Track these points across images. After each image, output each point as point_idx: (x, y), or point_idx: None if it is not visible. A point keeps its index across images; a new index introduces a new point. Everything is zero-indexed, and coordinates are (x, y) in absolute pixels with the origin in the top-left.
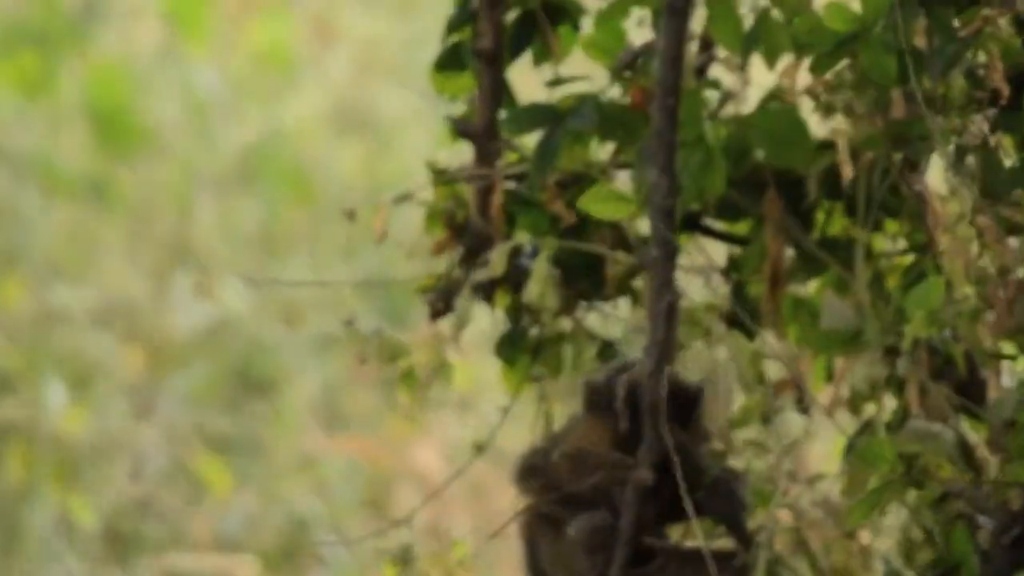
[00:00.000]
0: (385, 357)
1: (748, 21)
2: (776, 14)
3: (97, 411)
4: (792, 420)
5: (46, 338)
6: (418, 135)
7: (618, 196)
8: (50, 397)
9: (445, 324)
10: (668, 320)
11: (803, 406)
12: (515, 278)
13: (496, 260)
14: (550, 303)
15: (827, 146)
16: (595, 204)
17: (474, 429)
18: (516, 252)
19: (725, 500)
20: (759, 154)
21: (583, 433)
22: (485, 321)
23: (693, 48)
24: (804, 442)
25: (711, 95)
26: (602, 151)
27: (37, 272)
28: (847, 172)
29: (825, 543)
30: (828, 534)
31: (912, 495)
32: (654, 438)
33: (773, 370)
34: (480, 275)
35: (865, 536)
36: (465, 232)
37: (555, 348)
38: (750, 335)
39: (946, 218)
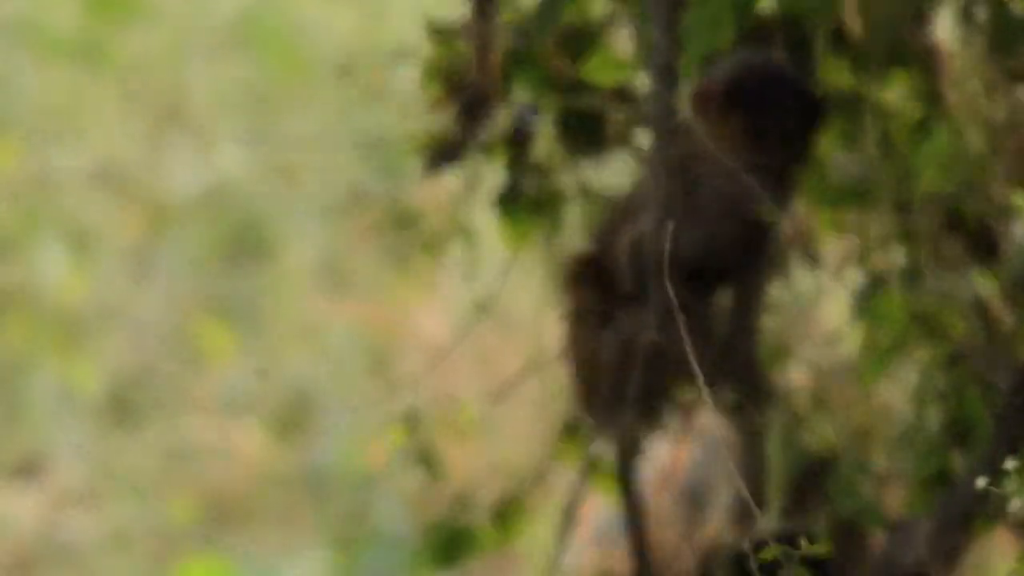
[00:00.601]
0: (399, 224)
1: None
2: None
3: (95, 276)
4: (802, 278)
5: (41, 202)
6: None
7: (618, 61)
8: (48, 262)
9: (452, 182)
10: (669, 176)
11: (812, 261)
12: (514, 135)
13: (501, 118)
14: (557, 161)
15: None
16: (596, 70)
17: (477, 291)
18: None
19: (738, 359)
20: (764, 5)
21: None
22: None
23: None
24: (816, 300)
25: None
26: (602, 6)
27: (30, 136)
28: (856, 26)
29: (844, 402)
30: (846, 393)
31: (925, 354)
32: (660, 297)
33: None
34: (486, 134)
35: (883, 395)
36: (463, 89)
37: (555, 204)
38: None
39: (955, 70)
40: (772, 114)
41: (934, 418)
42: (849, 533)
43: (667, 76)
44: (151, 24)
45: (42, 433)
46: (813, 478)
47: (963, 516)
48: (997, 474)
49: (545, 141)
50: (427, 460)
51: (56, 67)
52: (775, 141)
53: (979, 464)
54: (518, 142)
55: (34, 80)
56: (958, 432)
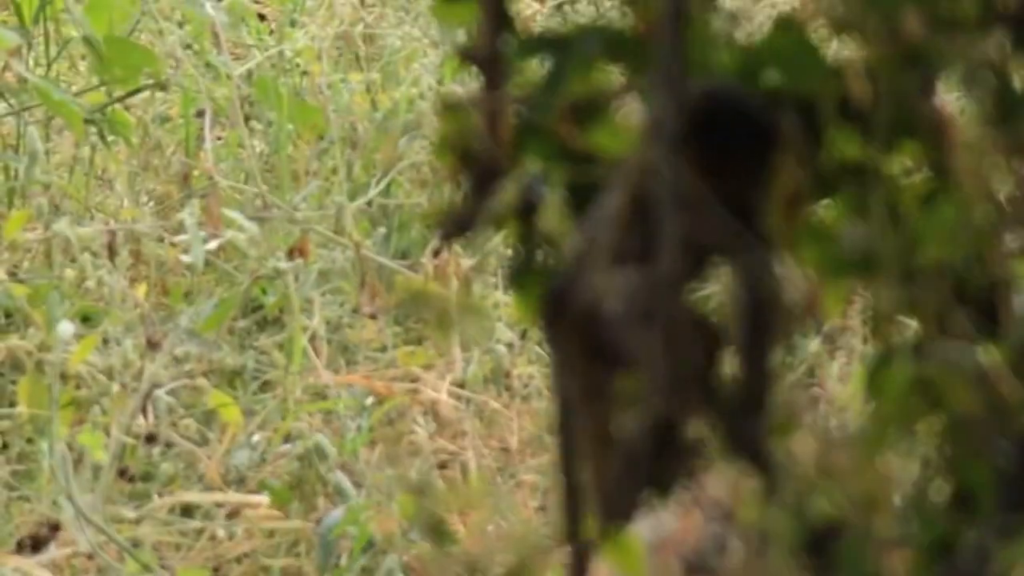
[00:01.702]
0: (416, 307)
1: None
2: None
3: (105, 345)
4: (808, 347)
5: (53, 269)
6: (424, 61)
7: (628, 129)
8: (58, 332)
9: (457, 254)
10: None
11: (818, 331)
12: (524, 206)
13: (510, 190)
14: (567, 231)
15: (839, 71)
16: (605, 139)
17: (482, 362)
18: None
19: (747, 432)
20: (769, 78)
21: None
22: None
23: None
24: (821, 369)
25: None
26: (614, 78)
27: (42, 205)
28: (862, 91)
29: (849, 471)
30: (852, 462)
31: (931, 424)
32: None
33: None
34: (495, 206)
35: (888, 465)
36: (474, 160)
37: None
38: None
39: (961, 140)
40: (725, 140)
41: (939, 487)
42: None
43: (674, 147)
44: (161, 91)
45: (51, 502)
46: (821, 546)
47: None
48: (1001, 543)
49: (554, 212)
50: (438, 531)
51: (66, 135)
52: (733, 168)
53: (983, 533)
54: (527, 214)
55: (45, 150)
56: (962, 501)
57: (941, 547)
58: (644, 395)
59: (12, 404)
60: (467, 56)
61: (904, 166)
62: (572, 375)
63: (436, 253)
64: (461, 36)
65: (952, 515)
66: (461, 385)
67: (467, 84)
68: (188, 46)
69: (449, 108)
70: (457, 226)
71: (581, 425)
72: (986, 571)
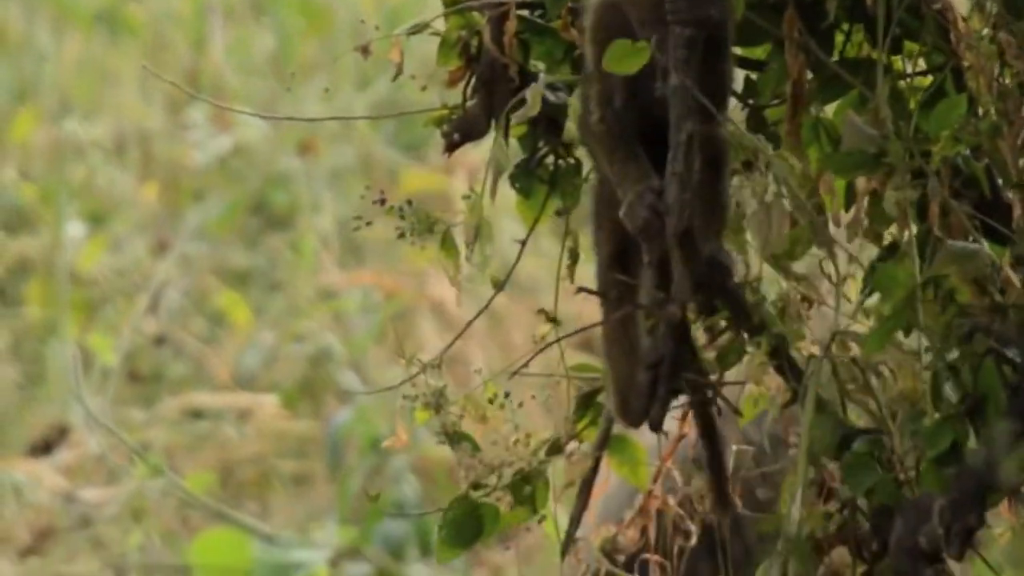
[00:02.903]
0: (422, 229)
1: None
2: None
3: (115, 246)
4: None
5: (62, 172)
6: None
7: (639, 48)
8: (68, 232)
9: (468, 156)
10: (688, 151)
11: (822, 239)
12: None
13: (532, 99)
14: (574, 134)
15: None
16: (616, 61)
17: (493, 261)
18: (527, 80)
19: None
20: None
21: None
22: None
23: None
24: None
25: None
26: None
27: (51, 106)
28: None
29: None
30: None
31: (938, 327)
32: (682, 270)
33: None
34: (519, 116)
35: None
36: (479, 61)
37: (572, 179)
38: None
39: (968, 35)
40: None
41: (948, 392)
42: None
43: (687, 46)
44: None
45: (62, 403)
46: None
47: (977, 492)
48: (1011, 448)
49: (562, 115)
50: (456, 438)
51: (76, 36)
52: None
53: (993, 438)
54: (535, 117)
55: (54, 49)
56: (972, 406)
57: (950, 454)
58: (664, 300)
59: (22, 306)
60: None
61: (910, 64)
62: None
63: (446, 152)
64: None
65: (960, 421)
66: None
67: None
68: None
69: (455, 9)
70: (464, 128)
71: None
72: (994, 475)
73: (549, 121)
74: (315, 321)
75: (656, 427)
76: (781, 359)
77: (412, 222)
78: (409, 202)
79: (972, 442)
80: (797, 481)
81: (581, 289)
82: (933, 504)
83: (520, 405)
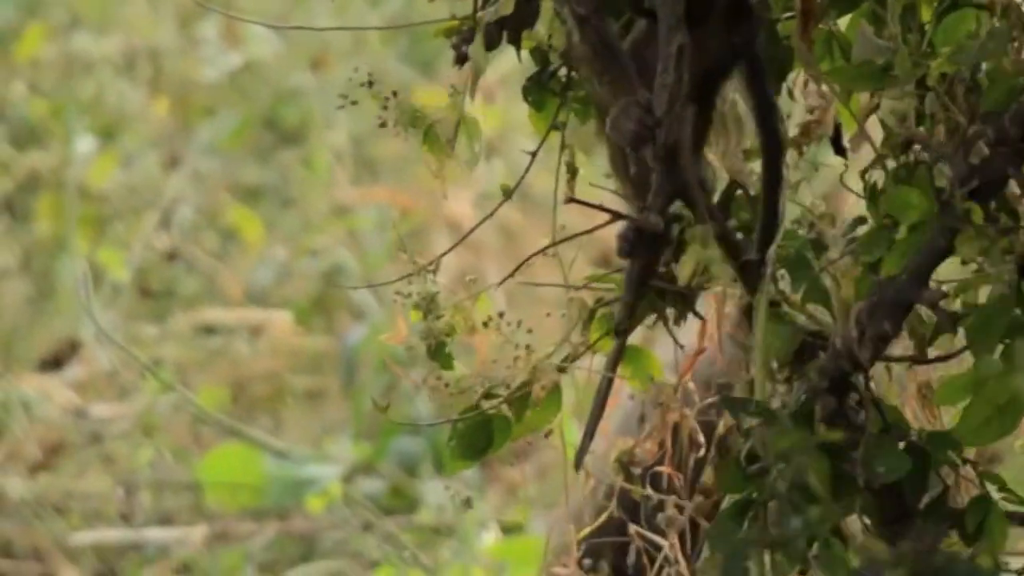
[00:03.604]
0: (405, 121)
1: None
2: None
3: (125, 161)
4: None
5: (72, 87)
6: None
7: None
8: (78, 147)
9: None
10: (678, 62)
11: (838, 146)
12: (532, 18)
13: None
14: (557, 42)
15: None
16: None
17: (503, 174)
18: None
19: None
20: None
21: None
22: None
23: None
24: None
25: None
26: None
27: (60, 20)
28: None
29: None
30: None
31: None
32: (662, 182)
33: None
34: (490, 15)
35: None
36: None
37: (583, 90)
38: (781, 75)
39: None
40: None
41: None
42: None
43: None
44: None
45: (72, 319)
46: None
47: (896, 300)
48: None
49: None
50: (437, 349)
51: None
52: None
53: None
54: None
55: None
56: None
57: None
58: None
59: (31, 221)
60: None
61: None
62: None
63: (457, 64)
64: None
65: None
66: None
67: None
68: None
69: None
70: (472, 41)
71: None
72: (916, 287)
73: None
74: (328, 237)
75: (622, 335)
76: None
77: (395, 114)
78: (395, 93)
79: None
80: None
81: (572, 200)
82: (855, 311)
83: (518, 324)
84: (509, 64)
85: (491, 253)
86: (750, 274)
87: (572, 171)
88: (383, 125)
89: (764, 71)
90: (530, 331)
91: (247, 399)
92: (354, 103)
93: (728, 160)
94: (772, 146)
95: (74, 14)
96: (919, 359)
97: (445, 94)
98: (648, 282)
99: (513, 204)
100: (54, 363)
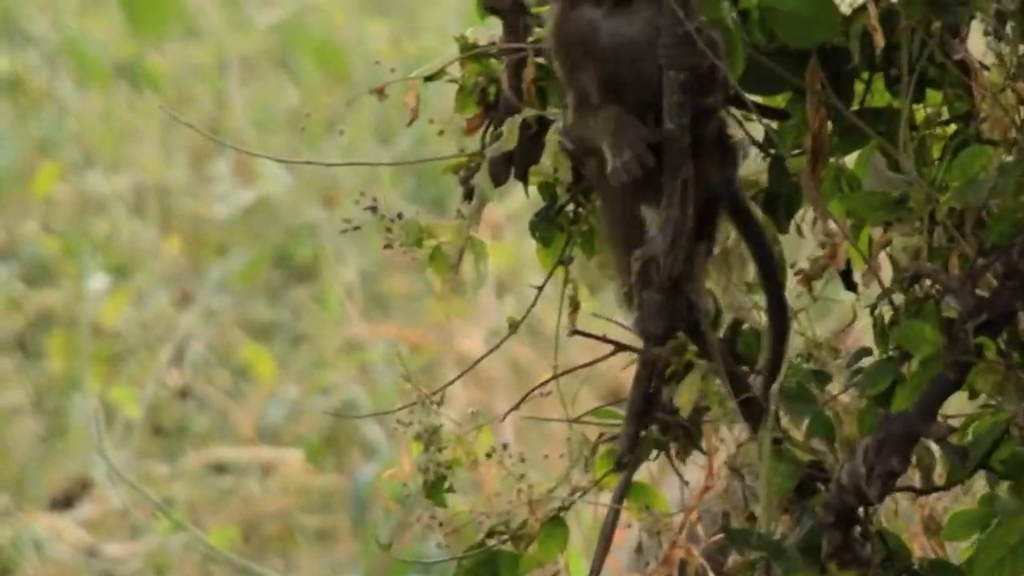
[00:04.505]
0: (411, 242)
1: None
2: None
3: (138, 298)
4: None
5: (84, 225)
6: (446, 10)
7: None
8: (90, 285)
9: (492, 211)
10: (683, 197)
11: (848, 282)
12: (538, 154)
13: (508, 134)
14: (563, 175)
15: (863, 10)
16: None
17: (514, 310)
18: (545, 127)
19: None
20: (788, 31)
21: None
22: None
23: None
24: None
25: None
26: None
27: (73, 159)
28: (879, 39)
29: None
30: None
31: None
32: (662, 310)
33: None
34: (493, 150)
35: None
36: (497, 108)
37: (589, 226)
38: (790, 210)
39: (987, 85)
40: None
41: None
42: None
43: (683, 91)
44: (191, 43)
45: (84, 457)
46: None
47: (904, 436)
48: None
49: (556, 158)
50: (434, 485)
51: (97, 89)
52: None
53: (928, 387)
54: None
55: (75, 102)
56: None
57: (883, 399)
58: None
59: (44, 359)
60: (490, 6)
61: (931, 113)
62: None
63: (465, 200)
64: None
65: (899, 363)
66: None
67: (490, 31)
68: None
69: (472, 54)
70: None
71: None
72: (924, 422)
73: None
74: (340, 374)
75: (625, 467)
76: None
77: (401, 235)
78: (400, 215)
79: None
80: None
81: (576, 332)
82: (862, 447)
83: (521, 458)
84: (518, 201)
85: (502, 388)
86: (753, 410)
87: (574, 305)
88: (388, 247)
89: (747, 202)
90: (524, 460)
91: (258, 538)
92: (356, 228)
93: (730, 294)
94: (770, 276)
95: (87, 152)
96: (926, 491)
97: (452, 226)
98: (650, 414)
99: (523, 339)
100: (65, 502)
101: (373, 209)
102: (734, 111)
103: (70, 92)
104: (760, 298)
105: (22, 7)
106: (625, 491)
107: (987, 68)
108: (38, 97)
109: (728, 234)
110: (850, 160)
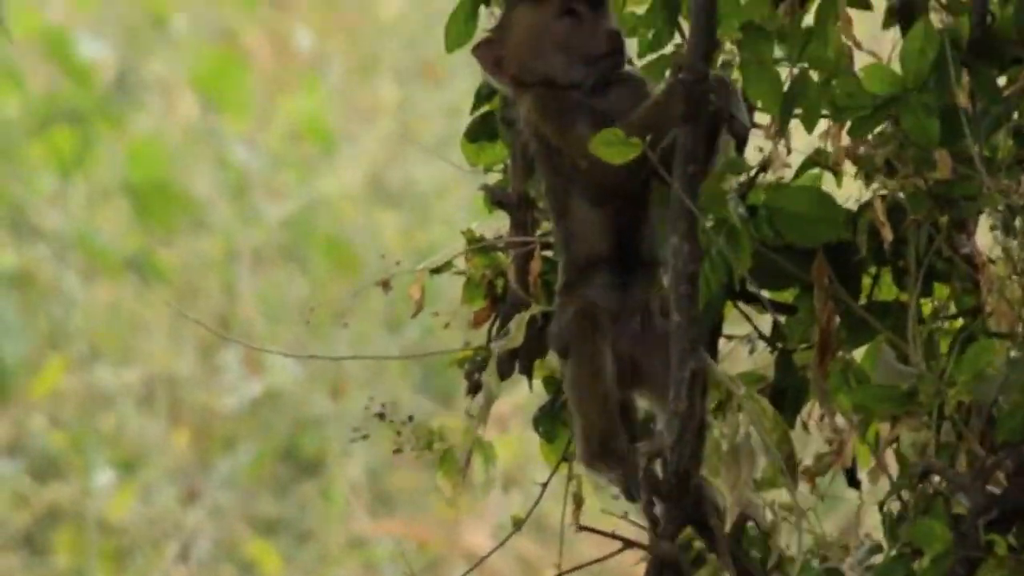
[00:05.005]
0: (421, 445)
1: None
2: (814, 76)
3: (145, 494)
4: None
5: (92, 419)
6: (454, 204)
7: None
8: (97, 480)
9: (499, 405)
10: (691, 389)
11: (852, 479)
12: (543, 348)
13: (515, 331)
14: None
15: (870, 205)
16: (604, 148)
17: (520, 505)
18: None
19: None
20: (793, 230)
21: None
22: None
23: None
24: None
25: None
26: None
27: (80, 352)
28: (886, 234)
29: None
30: None
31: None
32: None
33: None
34: (500, 347)
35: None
36: (504, 301)
37: None
38: (796, 405)
39: (995, 280)
40: None
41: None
42: None
43: (689, 284)
44: (199, 236)
45: None
46: None
47: None
48: None
49: None
50: None
51: (105, 281)
52: None
53: None
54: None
55: (83, 295)
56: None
57: None
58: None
59: (51, 555)
60: (497, 200)
61: (939, 307)
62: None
63: (470, 393)
64: (491, 178)
65: (911, 558)
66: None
67: (497, 225)
68: (225, 190)
69: (479, 246)
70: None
71: None
72: None
73: None
74: (345, 570)
75: None
76: None
77: (411, 439)
78: (410, 417)
79: None
80: None
81: (583, 528)
82: None
83: None
84: (523, 395)
85: None
86: None
87: (578, 502)
88: (398, 451)
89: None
90: None
91: None
92: (365, 437)
93: (738, 491)
94: None
95: (94, 346)
96: None
97: (460, 422)
98: None
99: (529, 535)
100: None
101: (381, 416)
102: (742, 305)
103: (78, 285)
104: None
105: (31, 201)
106: None
107: (993, 262)
108: (46, 290)
109: (737, 430)
110: (858, 354)
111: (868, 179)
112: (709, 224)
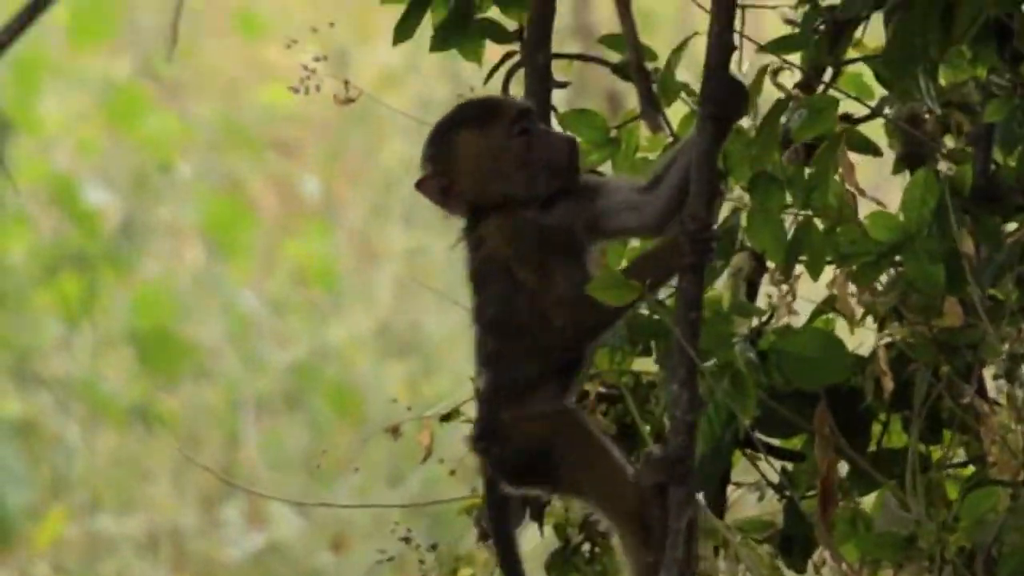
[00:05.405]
0: (446, 572)
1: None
2: (818, 223)
3: None
4: None
5: (94, 568)
6: (463, 352)
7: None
8: None
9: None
10: (688, 538)
11: None
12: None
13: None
14: (575, 519)
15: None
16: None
17: None
18: None
19: None
20: (800, 375)
21: None
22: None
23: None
24: None
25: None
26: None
27: (83, 501)
28: (887, 383)
29: None
30: None
31: None
32: None
33: None
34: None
35: None
36: None
37: (603, 567)
38: (805, 552)
39: (997, 427)
40: None
41: None
42: None
43: (688, 432)
44: (203, 383)
45: None
46: None
47: None
48: None
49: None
50: None
51: (108, 430)
52: None
53: None
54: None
55: (86, 443)
56: None
57: None
58: None
59: None
60: None
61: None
62: None
63: (480, 541)
64: None
65: None
66: None
67: None
68: (230, 337)
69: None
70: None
71: None
72: None
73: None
74: None
75: None
76: None
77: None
78: (434, 545)
79: None
80: None
81: None
82: None
83: None
84: (532, 541)
85: None
86: None
87: None
88: None
89: None
90: None
91: None
92: None
93: None
94: None
95: (98, 494)
96: None
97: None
98: None
99: None
100: None
101: (407, 540)
102: (748, 452)
103: (82, 434)
104: None
105: (37, 348)
106: None
107: (999, 404)
108: (49, 438)
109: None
110: (868, 500)
111: (882, 325)
112: (709, 366)
